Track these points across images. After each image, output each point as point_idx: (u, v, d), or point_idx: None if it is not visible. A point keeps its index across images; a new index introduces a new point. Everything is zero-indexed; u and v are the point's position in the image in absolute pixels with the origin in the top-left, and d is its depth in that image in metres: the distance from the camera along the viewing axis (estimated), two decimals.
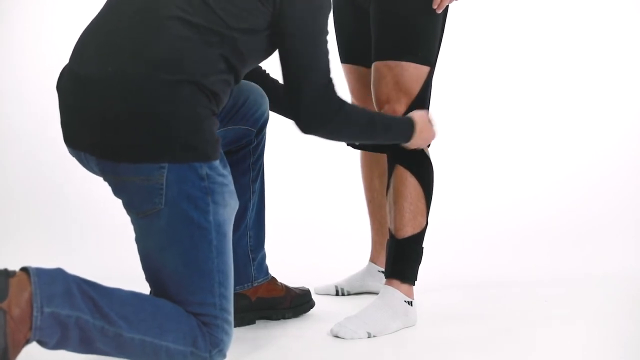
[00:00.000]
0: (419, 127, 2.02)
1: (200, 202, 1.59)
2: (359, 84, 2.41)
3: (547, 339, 1.98)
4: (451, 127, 3.57)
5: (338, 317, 2.05)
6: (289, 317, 2.18)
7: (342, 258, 2.92)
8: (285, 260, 2.63)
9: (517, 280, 2.75)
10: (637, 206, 3.46)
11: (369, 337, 1.98)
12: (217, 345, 1.61)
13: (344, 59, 2.42)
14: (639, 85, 3.75)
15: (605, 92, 3.77)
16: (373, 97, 2.16)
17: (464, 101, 3.80)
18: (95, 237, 3.23)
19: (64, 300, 1.47)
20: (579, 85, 3.79)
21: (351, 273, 2.57)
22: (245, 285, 2.12)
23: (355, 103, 2.47)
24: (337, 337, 1.97)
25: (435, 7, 2.08)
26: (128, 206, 1.64)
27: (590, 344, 1.95)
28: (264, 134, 2.13)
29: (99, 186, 3.31)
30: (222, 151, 1.70)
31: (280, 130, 3.73)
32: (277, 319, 2.17)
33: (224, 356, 1.65)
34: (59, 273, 1.49)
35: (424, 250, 2.13)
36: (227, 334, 1.64)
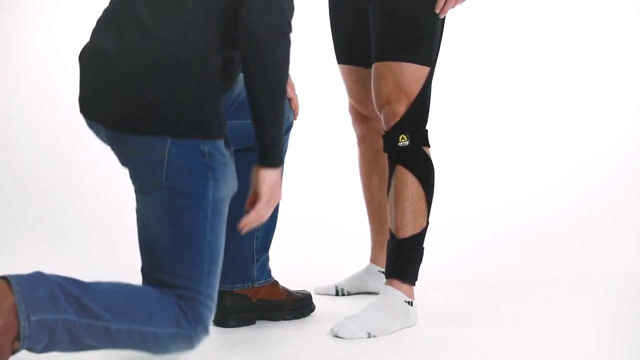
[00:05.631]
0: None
1: (200, 178, 1.62)
2: (357, 85, 2.40)
3: (547, 339, 1.98)
4: (452, 128, 3.58)
5: (338, 317, 2.05)
6: (288, 319, 2.18)
7: (342, 258, 2.92)
8: (285, 261, 2.63)
9: (517, 280, 2.74)
10: (638, 207, 3.46)
11: (369, 337, 1.98)
12: (201, 321, 1.62)
13: (342, 59, 2.41)
14: (639, 85, 3.75)
15: (605, 92, 3.77)
16: (373, 97, 2.16)
17: (464, 102, 3.80)
18: (96, 236, 3.22)
19: (49, 305, 1.47)
20: (579, 86, 3.79)
21: (351, 273, 2.57)
22: (246, 284, 2.12)
23: (354, 104, 2.47)
24: (337, 337, 1.97)
25: (438, 11, 2.08)
26: (133, 177, 1.68)
27: (590, 345, 1.95)
28: (286, 140, 2.13)
29: (99, 186, 3.32)
30: (228, 135, 1.72)
31: None
32: (277, 319, 2.17)
33: (207, 332, 1.66)
34: (39, 277, 1.50)
35: (425, 251, 2.13)
36: (210, 310, 1.65)
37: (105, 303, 1.54)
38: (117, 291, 1.58)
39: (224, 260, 2.11)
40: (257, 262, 2.14)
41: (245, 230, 1.74)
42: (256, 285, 2.14)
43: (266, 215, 1.74)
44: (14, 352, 1.46)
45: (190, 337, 1.62)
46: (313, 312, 2.24)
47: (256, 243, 2.13)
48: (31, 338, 1.46)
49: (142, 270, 1.70)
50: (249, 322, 2.12)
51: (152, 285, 1.65)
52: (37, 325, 1.46)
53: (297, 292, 2.24)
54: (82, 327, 1.51)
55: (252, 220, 1.73)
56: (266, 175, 1.70)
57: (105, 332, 1.53)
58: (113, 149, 1.69)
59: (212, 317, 1.66)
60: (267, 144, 1.69)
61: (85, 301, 1.51)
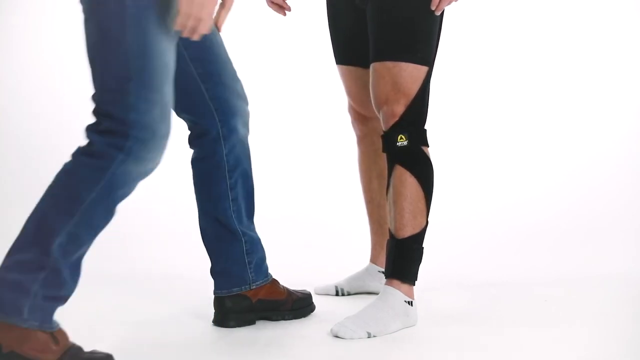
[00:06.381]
0: None
1: None
2: (356, 85, 2.40)
3: (546, 339, 1.98)
4: (451, 127, 3.58)
5: (338, 317, 2.05)
6: (289, 319, 2.18)
7: (342, 258, 2.92)
8: (285, 261, 2.62)
9: (517, 280, 2.75)
10: (638, 207, 3.46)
11: (369, 337, 1.98)
12: (133, 136, 1.58)
13: (341, 60, 2.41)
14: (639, 85, 3.75)
15: (605, 92, 3.77)
16: (372, 97, 2.16)
17: (463, 101, 3.80)
18: (99, 235, 3.22)
19: (20, 295, 1.56)
20: (579, 85, 3.79)
21: (351, 273, 2.57)
22: (243, 287, 2.12)
23: (353, 104, 2.47)
24: (337, 337, 1.97)
25: (433, 8, 2.08)
26: None
27: (590, 345, 1.95)
28: (235, 145, 2.07)
29: None
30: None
31: (280, 132, 3.75)
32: (277, 319, 2.16)
33: (153, 134, 1.60)
34: None
35: (424, 250, 2.13)
36: (146, 112, 1.59)
37: (48, 233, 1.58)
38: (41, 213, 1.61)
39: (217, 269, 2.10)
40: (249, 264, 2.13)
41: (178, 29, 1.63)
42: (254, 286, 2.13)
43: (194, 27, 1.60)
44: (52, 335, 1.58)
45: (136, 159, 1.59)
46: (313, 312, 2.24)
47: (245, 247, 2.12)
48: (41, 317, 1.56)
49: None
50: (249, 322, 2.12)
51: (96, 114, 1.62)
52: (35, 310, 1.55)
53: (297, 291, 2.24)
54: (55, 269, 1.58)
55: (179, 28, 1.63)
56: None
57: (63, 246, 1.58)
58: None
59: (160, 119, 1.62)
60: None
61: (41, 252, 1.57)
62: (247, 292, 2.12)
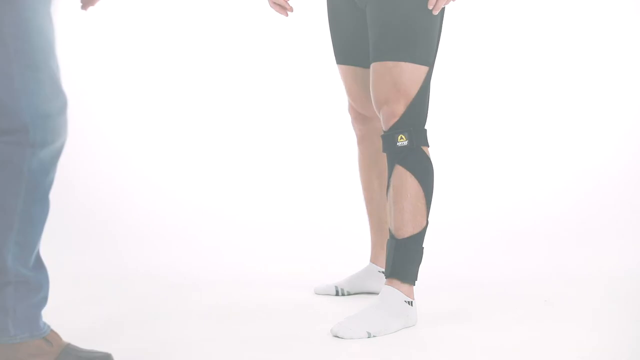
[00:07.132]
0: None
1: None
2: (357, 85, 2.40)
3: (546, 339, 1.98)
4: (451, 127, 3.59)
5: (338, 317, 2.05)
6: None
7: (342, 258, 2.92)
8: (285, 261, 2.63)
9: (516, 280, 2.75)
10: (637, 206, 3.46)
11: (369, 337, 1.98)
12: (36, 117, 1.47)
13: (341, 59, 2.41)
14: (639, 85, 3.76)
15: (605, 93, 3.77)
16: (372, 97, 2.17)
17: (463, 101, 3.81)
18: (97, 236, 3.22)
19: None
20: (579, 87, 3.80)
21: (351, 273, 2.57)
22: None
23: (353, 104, 2.48)
24: (337, 337, 1.97)
25: (431, 7, 2.08)
26: None
27: (590, 345, 1.95)
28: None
29: (102, 185, 3.30)
30: None
31: (280, 132, 3.75)
32: None
33: (49, 114, 1.49)
34: None
35: (424, 250, 2.13)
36: (37, 94, 1.48)
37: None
38: None
39: None
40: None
41: None
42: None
43: None
44: (44, 339, 1.55)
45: (43, 146, 1.49)
46: (313, 312, 2.23)
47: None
48: (29, 328, 1.53)
49: None
50: None
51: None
52: (20, 324, 1.52)
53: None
54: (20, 280, 1.54)
55: None
56: None
57: (18, 256, 1.53)
58: None
59: (45, 95, 1.49)
60: None
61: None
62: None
